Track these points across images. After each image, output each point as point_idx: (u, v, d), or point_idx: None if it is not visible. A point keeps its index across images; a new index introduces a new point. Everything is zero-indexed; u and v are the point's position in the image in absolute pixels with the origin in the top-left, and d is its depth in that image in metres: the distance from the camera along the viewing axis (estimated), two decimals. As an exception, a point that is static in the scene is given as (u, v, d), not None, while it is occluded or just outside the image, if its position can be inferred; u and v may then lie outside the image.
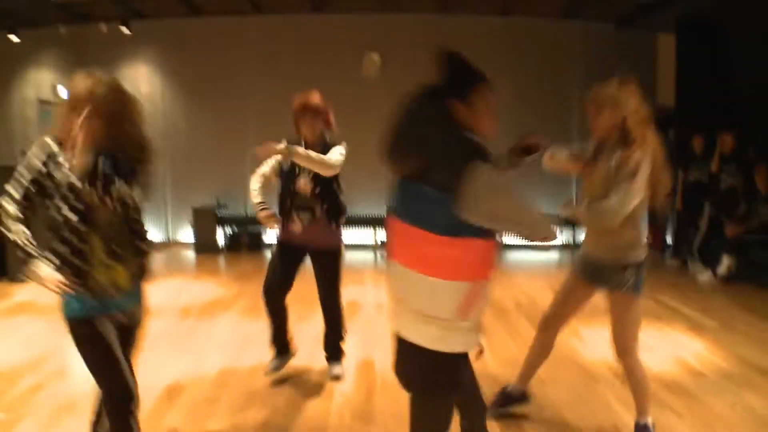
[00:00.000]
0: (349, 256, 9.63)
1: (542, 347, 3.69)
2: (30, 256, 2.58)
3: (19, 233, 2.57)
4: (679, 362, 4.85)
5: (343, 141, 4.19)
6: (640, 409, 3.42)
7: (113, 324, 2.69)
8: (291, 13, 10.18)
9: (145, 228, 2.81)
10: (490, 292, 2.27)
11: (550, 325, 3.63)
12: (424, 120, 2.14)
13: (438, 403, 2.35)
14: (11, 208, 2.56)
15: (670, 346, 5.23)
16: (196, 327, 5.77)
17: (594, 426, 3.67)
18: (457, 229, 2.06)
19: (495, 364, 4.74)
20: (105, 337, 2.62)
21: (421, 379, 2.32)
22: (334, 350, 4.50)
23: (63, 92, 10.16)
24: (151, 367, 4.64)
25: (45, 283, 2.54)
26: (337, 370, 4.46)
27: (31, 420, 3.84)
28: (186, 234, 10.78)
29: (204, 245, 10.07)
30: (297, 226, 4.20)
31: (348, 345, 4.70)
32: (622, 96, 3.16)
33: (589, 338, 5.30)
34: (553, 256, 10.18)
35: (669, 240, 10.03)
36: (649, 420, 3.38)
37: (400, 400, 4.01)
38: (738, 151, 7.95)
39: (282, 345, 4.44)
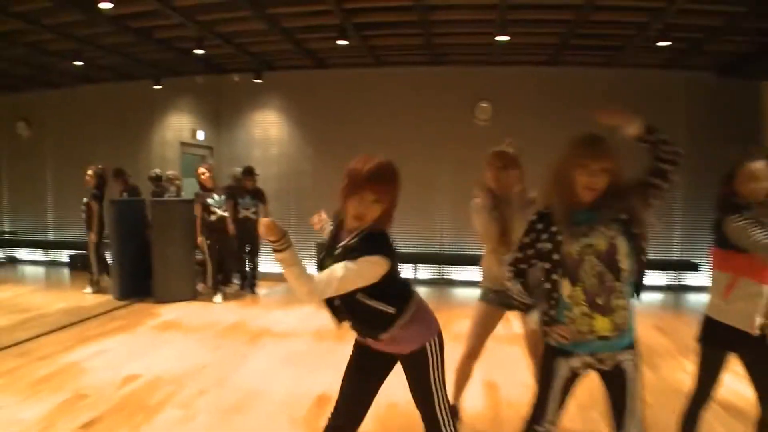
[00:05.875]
0: (462, 292, 10.18)
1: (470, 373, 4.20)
2: (528, 307, 2.94)
3: (517, 288, 2.89)
4: None
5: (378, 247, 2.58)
6: None
7: (582, 365, 2.76)
8: (409, 65, 10.67)
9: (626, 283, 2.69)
10: None
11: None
12: None
13: None
14: (512, 269, 2.87)
15: None
16: (334, 348, 6.17)
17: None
18: None
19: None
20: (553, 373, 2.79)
21: None
22: None
23: (201, 135, 11.19)
24: (301, 379, 5.27)
25: (541, 333, 2.83)
26: None
27: (205, 417, 4.42)
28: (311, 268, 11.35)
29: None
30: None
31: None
32: None
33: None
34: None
35: None
36: None
37: (525, 412, 4.51)
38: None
39: None
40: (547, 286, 2.72)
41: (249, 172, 9.44)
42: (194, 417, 4.42)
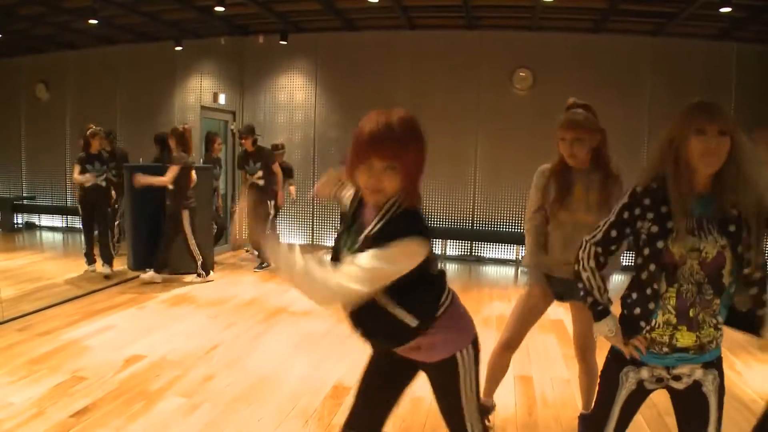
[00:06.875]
0: (493, 271, 9.71)
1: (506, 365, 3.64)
2: (600, 313, 2.28)
3: (597, 284, 2.28)
4: None
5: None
6: (590, 404, 3.45)
7: (652, 378, 2.22)
8: (443, 28, 10.09)
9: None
10: None
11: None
12: None
13: None
14: (597, 250, 2.26)
15: None
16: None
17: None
18: None
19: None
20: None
21: None
22: None
23: (222, 100, 10.75)
24: (317, 366, 4.84)
25: (615, 343, 2.27)
26: None
27: (209, 406, 4.00)
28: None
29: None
30: None
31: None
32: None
33: (747, 373, 5.05)
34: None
35: None
36: None
37: (562, 414, 4.06)
38: None
39: None
40: (643, 276, 2.16)
41: (248, 130, 8.44)
42: (197, 407, 3.99)
